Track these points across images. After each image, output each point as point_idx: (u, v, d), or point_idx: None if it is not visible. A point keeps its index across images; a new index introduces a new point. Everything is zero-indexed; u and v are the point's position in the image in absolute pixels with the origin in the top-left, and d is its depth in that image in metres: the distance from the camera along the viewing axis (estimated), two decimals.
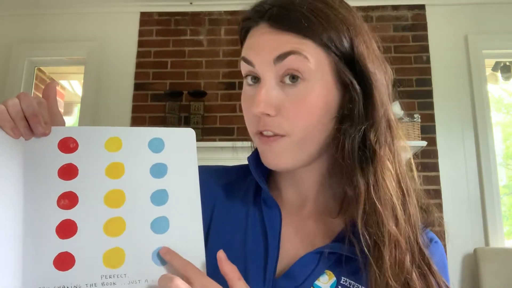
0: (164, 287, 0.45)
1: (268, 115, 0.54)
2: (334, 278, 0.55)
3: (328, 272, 0.56)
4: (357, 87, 0.54)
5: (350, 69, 0.55)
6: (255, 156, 0.62)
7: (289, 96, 0.54)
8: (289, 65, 0.53)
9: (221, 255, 0.49)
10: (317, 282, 0.55)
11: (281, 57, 0.53)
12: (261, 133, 0.56)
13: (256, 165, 0.62)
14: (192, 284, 0.46)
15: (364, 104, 0.54)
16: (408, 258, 0.52)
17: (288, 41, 0.53)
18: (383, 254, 0.51)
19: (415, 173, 0.60)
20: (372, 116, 0.54)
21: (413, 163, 0.61)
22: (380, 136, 0.54)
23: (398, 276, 0.51)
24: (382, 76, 0.56)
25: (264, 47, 0.54)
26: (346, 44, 0.54)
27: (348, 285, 0.55)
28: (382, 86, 0.56)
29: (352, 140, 0.54)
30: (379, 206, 0.52)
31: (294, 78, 0.54)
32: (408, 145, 0.61)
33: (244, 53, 0.57)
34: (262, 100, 0.53)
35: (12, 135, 0.48)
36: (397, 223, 0.53)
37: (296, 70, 0.53)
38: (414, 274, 0.52)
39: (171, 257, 0.49)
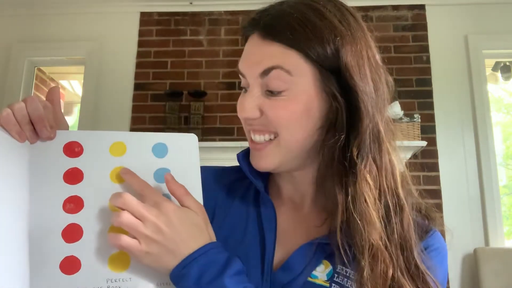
0: (114, 221, 0.47)
1: (254, 118, 0.58)
2: (331, 267, 0.56)
3: (325, 261, 0.57)
4: (340, 98, 0.55)
5: (337, 80, 0.55)
6: (245, 154, 0.64)
7: (272, 103, 0.56)
8: (272, 80, 0.55)
9: (167, 176, 0.52)
10: (314, 272, 0.56)
11: (266, 72, 0.55)
12: (252, 140, 0.60)
13: (249, 163, 0.63)
14: (145, 200, 0.49)
15: (348, 115, 0.55)
16: (390, 272, 0.52)
17: (272, 53, 0.55)
18: (362, 266, 0.51)
19: (412, 186, 0.60)
20: (357, 128, 0.55)
21: (408, 176, 0.60)
22: (363, 149, 0.54)
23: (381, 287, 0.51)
24: (371, 88, 0.56)
25: (252, 59, 0.57)
26: (331, 55, 0.54)
27: (345, 273, 0.55)
28: (370, 98, 0.55)
29: (332, 151, 0.55)
30: (357, 219, 0.52)
31: (274, 92, 0.56)
32: (402, 159, 0.60)
33: (239, 62, 0.60)
34: (246, 106, 0.57)
35: (18, 138, 0.49)
36: (380, 236, 0.52)
37: (276, 87, 0.55)
38: (406, 285, 0.52)
39: (129, 177, 0.52)
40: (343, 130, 0.55)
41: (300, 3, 0.57)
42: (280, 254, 0.59)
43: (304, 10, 0.55)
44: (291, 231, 0.61)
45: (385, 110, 0.58)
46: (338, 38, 0.54)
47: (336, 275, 0.55)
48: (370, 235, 0.52)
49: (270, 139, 0.58)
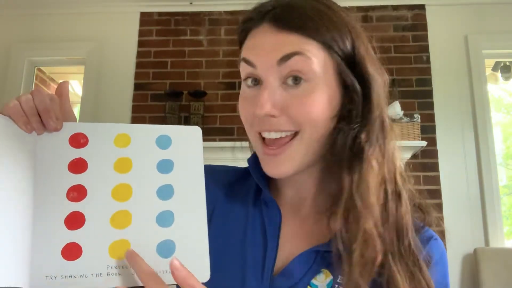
0: None
1: (273, 116, 0.54)
2: (331, 277, 0.55)
3: (325, 271, 0.56)
4: (358, 88, 0.55)
5: (351, 71, 0.56)
6: (255, 159, 0.62)
7: (293, 97, 0.54)
8: (293, 66, 0.53)
9: (175, 263, 0.45)
10: (313, 281, 0.55)
11: (285, 58, 0.53)
12: (264, 143, 0.57)
13: (256, 167, 0.62)
14: None
15: (362, 105, 0.56)
16: (379, 258, 0.52)
17: (292, 41, 0.53)
18: (353, 250, 0.51)
19: (407, 173, 0.60)
20: (367, 117, 0.55)
21: (402, 165, 0.60)
22: (372, 136, 0.55)
23: (366, 274, 0.51)
24: (379, 78, 0.57)
25: (267, 47, 0.55)
26: (348, 46, 0.55)
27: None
28: (380, 88, 0.56)
29: (345, 138, 0.55)
30: (359, 203, 0.53)
31: (296, 79, 0.54)
32: (400, 146, 0.61)
33: (245, 54, 0.57)
34: (266, 102, 0.54)
35: (25, 129, 0.50)
36: (375, 223, 0.53)
37: (299, 71, 0.53)
38: (396, 274, 0.52)
39: (133, 262, 0.47)
40: (357, 119, 0.55)
41: None
42: (280, 259, 0.58)
43: (314, 3, 0.56)
44: (291, 236, 0.60)
45: (387, 100, 0.59)
46: (352, 30, 0.56)
47: (336, 285, 0.55)
48: (366, 221, 0.52)
49: (286, 136, 0.56)
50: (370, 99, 0.55)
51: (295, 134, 0.56)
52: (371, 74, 0.55)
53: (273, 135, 0.56)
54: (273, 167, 0.57)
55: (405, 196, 0.57)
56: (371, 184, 0.53)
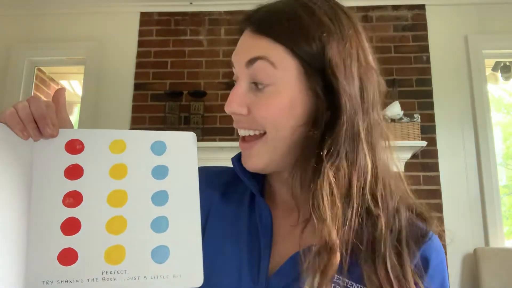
0: None
1: (241, 114, 0.58)
2: None
3: None
4: (322, 97, 0.55)
5: (323, 78, 0.55)
6: (239, 157, 0.63)
7: (257, 98, 0.57)
8: (257, 71, 0.56)
9: None
10: None
11: (251, 61, 0.56)
12: (242, 138, 0.60)
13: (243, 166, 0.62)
14: None
15: (330, 114, 0.55)
16: (330, 273, 0.51)
17: (259, 45, 0.56)
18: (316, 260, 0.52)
19: (405, 183, 0.59)
20: (334, 126, 0.54)
21: (402, 176, 0.59)
22: (335, 148, 0.53)
23: (324, 283, 0.51)
24: (356, 88, 0.55)
25: (241, 50, 0.59)
26: (316, 52, 0.54)
27: (342, 283, 0.55)
28: (353, 98, 0.54)
29: (309, 148, 0.55)
30: (315, 217, 0.52)
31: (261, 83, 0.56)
32: (396, 146, 0.60)
33: (232, 54, 0.61)
34: (233, 100, 0.57)
35: (22, 136, 0.50)
36: (337, 237, 0.52)
37: (261, 76, 0.56)
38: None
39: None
40: (320, 128, 0.54)
41: (293, 1, 0.58)
42: (275, 259, 0.58)
43: (295, 6, 0.57)
44: (287, 236, 0.60)
45: (374, 111, 0.57)
46: (324, 35, 0.54)
47: (333, 285, 0.54)
48: (323, 233, 0.51)
49: (255, 135, 0.59)
50: (339, 107, 0.54)
51: (265, 133, 0.58)
52: (341, 81, 0.53)
53: (241, 132, 0.60)
54: (245, 160, 0.60)
55: (380, 212, 0.54)
56: (326, 197, 0.52)
